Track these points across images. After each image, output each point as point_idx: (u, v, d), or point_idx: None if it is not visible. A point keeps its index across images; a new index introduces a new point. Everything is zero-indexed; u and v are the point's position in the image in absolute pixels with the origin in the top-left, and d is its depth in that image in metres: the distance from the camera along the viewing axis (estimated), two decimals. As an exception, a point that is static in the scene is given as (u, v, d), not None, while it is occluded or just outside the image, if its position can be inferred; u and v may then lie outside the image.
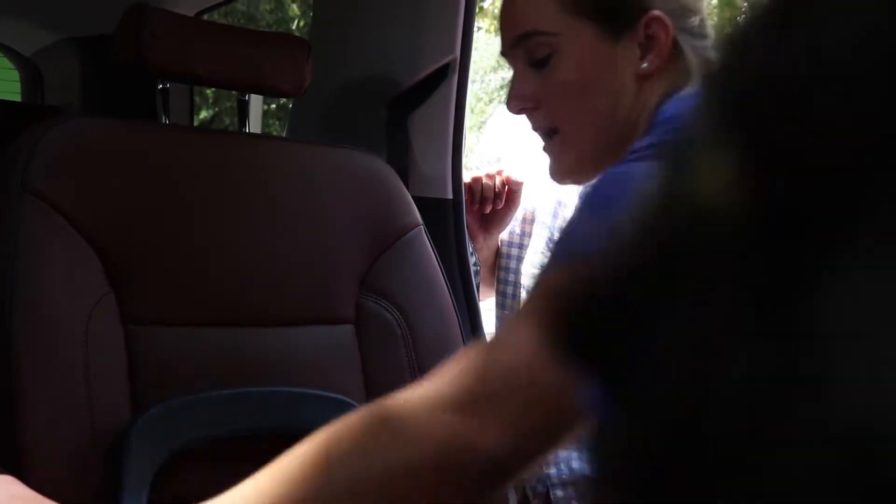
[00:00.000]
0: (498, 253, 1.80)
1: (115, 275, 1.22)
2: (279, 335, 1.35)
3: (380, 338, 1.42)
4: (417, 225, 1.49)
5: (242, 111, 1.46)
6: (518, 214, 1.76)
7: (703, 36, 1.03)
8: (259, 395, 1.26)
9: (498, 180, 1.70)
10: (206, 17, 2.08)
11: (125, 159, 1.26)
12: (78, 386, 1.16)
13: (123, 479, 1.11)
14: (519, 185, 1.71)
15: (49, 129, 1.21)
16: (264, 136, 1.48)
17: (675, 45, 1.01)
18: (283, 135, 1.71)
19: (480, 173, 1.72)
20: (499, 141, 1.87)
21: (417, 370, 1.42)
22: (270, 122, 7.99)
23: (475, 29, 1.71)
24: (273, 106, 7.59)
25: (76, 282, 1.19)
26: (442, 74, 1.58)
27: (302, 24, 7.62)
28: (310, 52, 1.42)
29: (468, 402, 0.75)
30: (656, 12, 1.00)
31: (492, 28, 10.75)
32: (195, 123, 1.43)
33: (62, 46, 2.13)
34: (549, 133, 1.05)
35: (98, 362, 1.18)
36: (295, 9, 7.83)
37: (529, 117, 1.06)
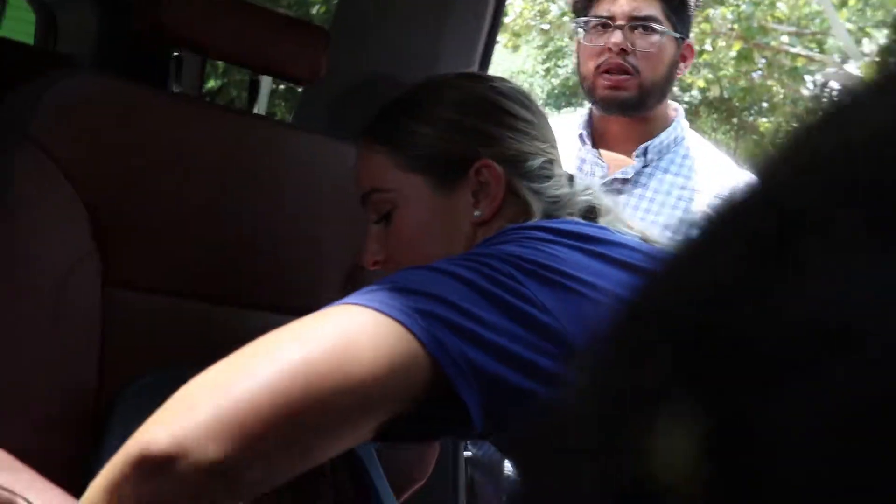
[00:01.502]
0: None
1: (102, 234, 1.21)
2: (260, 319, 1.33)
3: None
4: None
5: (253, 90, 1.45)
6: None
7: (546, 178, 1.08)
8: None
9: None
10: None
11: (128, 120, 1.25)
12: (45, 344, 1.15)
13: (102, 453, 1.10)
14: None
15: (57, 79, 1.20)
16: (272, 120, 1.47)
17: (511, 189, 1.06)
18: (289, 117, 1.69)
19: None
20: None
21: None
22: (277, 101, 7.98)
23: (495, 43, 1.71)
24: (282, 87, 7.59)
25: (61, 234, 1.18)
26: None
27: (322, 10, 7.61)
28: (328, 42, 1.41)
29: None
30: (485, 161, 1.05)
31: (509, 44, 10.77)
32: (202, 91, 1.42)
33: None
34: None
35: (70, 320, 1.17)
36: (318, -6, 7.82)
37: (382, 268, 1.13)
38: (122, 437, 1.13)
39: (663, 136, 1.70)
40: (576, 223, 1.03)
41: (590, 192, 1.10)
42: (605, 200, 1.10)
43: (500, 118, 1.08)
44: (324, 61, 1.42)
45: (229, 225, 1.33)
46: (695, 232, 0.21)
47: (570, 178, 1.12)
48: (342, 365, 0.80)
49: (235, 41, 1.37)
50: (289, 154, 1.40)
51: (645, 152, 1.68)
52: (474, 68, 1.58)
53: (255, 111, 1.47)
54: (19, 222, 1.15)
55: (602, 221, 1.07)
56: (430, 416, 0.88)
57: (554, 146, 1.11)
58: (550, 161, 1.09)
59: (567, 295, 0.90)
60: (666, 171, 1.68)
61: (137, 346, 1.23)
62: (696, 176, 1.67)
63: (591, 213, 1.08)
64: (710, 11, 9.48)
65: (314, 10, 7.77)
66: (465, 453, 1.67)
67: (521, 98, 1.11)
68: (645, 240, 1.05)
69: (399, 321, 0.82)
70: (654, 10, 1.64)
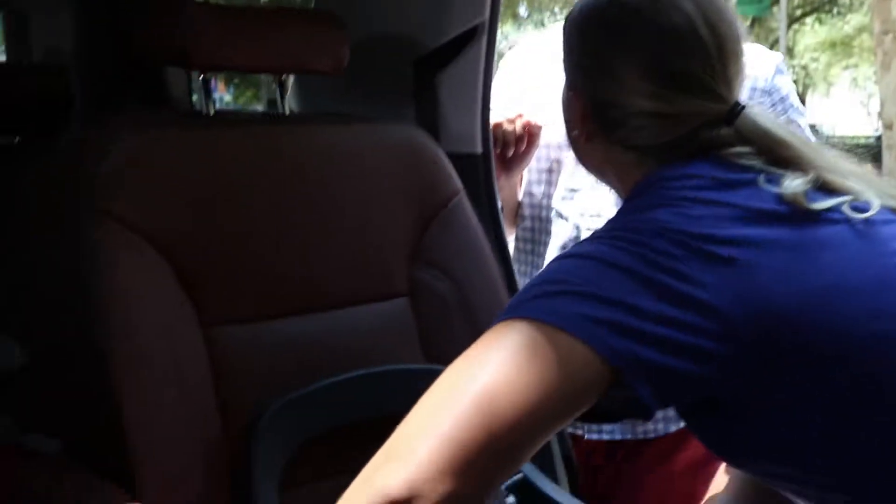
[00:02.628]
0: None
1: (188, 281, 1.24)
2: (340, 316, 1.38)
3: (434, 308, 1.46)
4: (459, 192, 1.52)
5: (282, 92, 1.44)
6: (541, 154, 1.79)
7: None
8: (368, 378, 1.30)
9: (518, 124, 1.72)
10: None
11: (182, 165, 1.26)
12: (174, 396, 1.19)
13: (253, 483, 1.16)
14: (538, 128, 1.73)
15: (108, 147, 1.21)
16: (305, 118, 1.47)
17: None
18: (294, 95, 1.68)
19: (501, 118, 1.73)
20: (514, 80, 1.87)
21: (472, 336, 1.46)
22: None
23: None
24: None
25: (156, 295, 1.21)
26: (470, 36, 1.58)
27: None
28: (348, 32, 1.40)
29: None
30: None
31: None
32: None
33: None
34: None
35: (186, 369, 1.21)
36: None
37: None
38: (267, 469, 1.19)
39: None
40: (708, 166, 1.03)
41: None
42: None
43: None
44: (346, 51, 1.41)
45: (292, 233, 1.35)
46: None
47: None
48: (528, 387, 0.86)
49: (258, 50, 1.36)
50: (331, 148, 1.41)
51: None
52: (485, 20, 1.58)
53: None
54: (117, 293, 1.17)
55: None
56: (609, 405, 0.95)
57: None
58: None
59: (720, 265, 0.93)
60: None
61: (242, 372, 1.27)
62: None
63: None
64: None
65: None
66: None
67: None
68: None
69: (571, 334, 0.88)
70: None
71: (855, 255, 0.96)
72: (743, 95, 1.11)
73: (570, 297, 0.91)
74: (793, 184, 0.98)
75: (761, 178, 1.00)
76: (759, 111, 1.05)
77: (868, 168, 1.08)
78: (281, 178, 1.35)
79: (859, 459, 0.95)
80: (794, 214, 0.97)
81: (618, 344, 0.89)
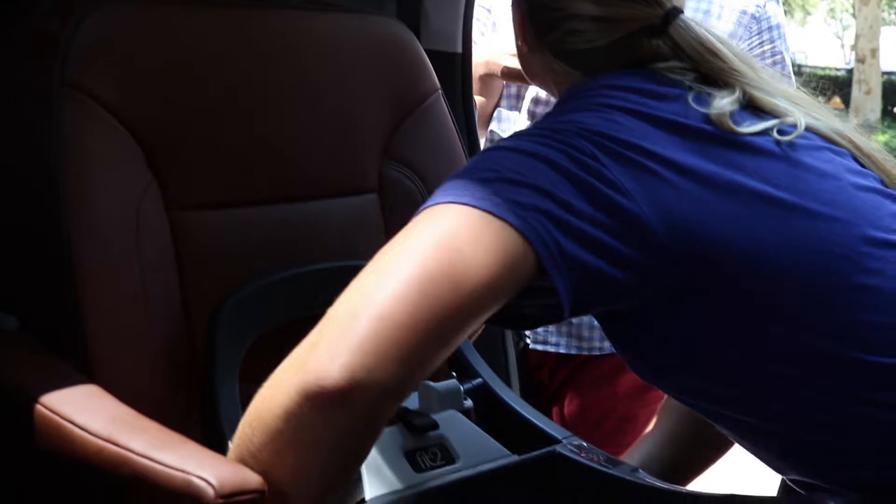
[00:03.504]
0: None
1: (156, 162, 1.22)
2: (310, 209, 1.36)
3: (402, 205, 1.44)
4: (436, 90, 1.49)
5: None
6: None
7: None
8: (335, 271, 1.28)
9: None
10: None
11: (155, 44, 1.23)
12: (134, 278, 1.17)
13: (216, 367, 1.15)
14: None
15: (80, 20, 1.17)
16: (285, 2, 1.43)
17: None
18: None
19: None
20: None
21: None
22: None
23: None
24: None
25: (122, 174, 1.19)
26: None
27: None
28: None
29: None
30: None
31: None
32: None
33: None
34: None
35: (149, 253, 1.19)
36: None
37: None
38: (229, 357, 1.18)
39: None
40: (637, 78, 1.04)
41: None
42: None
43: None
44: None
45: (266, 122, 1.32)
46: None
47: None
48: (458, 270, 0.86)
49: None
50: (309, 37, 1.38)
51: None
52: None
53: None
54: (81, 169, 1.14)
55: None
56: (524, 303, 0.95)
57: None
58: None
59: (644, 175, 0.94)
60: None
61: (207, 259, 1.25)
62: None
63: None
64: None
65: None
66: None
67: None
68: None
69: (501, 218, 0.88)
70: None
71: (774, 179, 0.96)
72: (731, 18, 1.10)
73: (501, 184, 0.90)
74: (720, 103, 0.99)
75: (690, 97, 1.00)
76: (695, 21, 1.06)
77: (800, 90, 1.09)
78: (257, 62, 1.31)
79: (769, 379, 0.97)
80: (719, 135, 0.97)
81: (544, 231, 0.89)
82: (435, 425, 1.18)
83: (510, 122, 1.87)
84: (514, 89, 1.86)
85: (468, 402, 1.27)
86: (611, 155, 0.93)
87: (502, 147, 0.96)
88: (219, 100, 1.27)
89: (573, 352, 1.84)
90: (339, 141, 1.39)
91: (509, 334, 1.70)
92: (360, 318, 0.83)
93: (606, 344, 1.83)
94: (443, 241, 0.87)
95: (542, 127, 0.99)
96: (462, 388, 1.28)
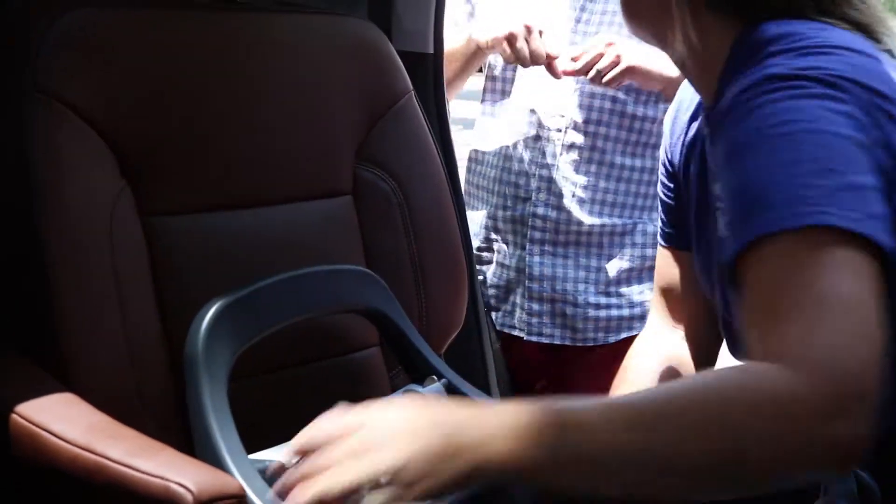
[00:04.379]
0: None
1: (129, 168, 1.22)
2: (284, 212, 1.36)
3: (376, 207, 1.45)
4: (408, 91, 1.50)
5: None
6: None
7: None
8: (314, 276, 1.29)
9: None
10: None
11: (127, 49, 1.22)
12: (108, 286, 1.17)
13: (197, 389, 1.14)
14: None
15: (52, 23, 1.16)
16: (256, 5, 1.43)
17: None
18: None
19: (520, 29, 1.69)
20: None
21: (414, 237, 1.46)
22: None
23: None
24: None
25: (95, 180, 1.18)
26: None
27: None
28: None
29: None
30: None
31: None
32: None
33: None
34: None
35: (123, 259, 1.19)
36: None
37: None
38: (209, 368, 1.16)
39: None
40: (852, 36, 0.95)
41: None
42: None
43: None
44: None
45: (238, 126, 1.32)
46: None
47: None
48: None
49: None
50: (280, 39, 1.38)
51: None
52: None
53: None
54: (54, 176, 1.14)
55: None
56: None
57: None
58: None
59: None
60: None
61: (181, 265, 1.25)
62: None
63: None
64: None
65: None
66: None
67: None
68: None
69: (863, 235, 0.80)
70: None
71: None
72: None
73: (851, 193, 0.81)
74: None
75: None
76: None
77: None
78: (229, 66, 1.31)
79: None
80: None
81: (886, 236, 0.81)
82: None
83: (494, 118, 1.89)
84: (498, 85, 1.88)
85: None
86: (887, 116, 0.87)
87: (806, 130, 0.84)
88: (193, 105, 1.27)
89: (567, 342, 1.86)
90: (313, 143, 1.39)
91: (486, 334, 1.71)
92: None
93: (600, 335, 1.85)
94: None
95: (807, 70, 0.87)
96: (434, 389, 1.29)
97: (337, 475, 0.76)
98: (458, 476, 0.78)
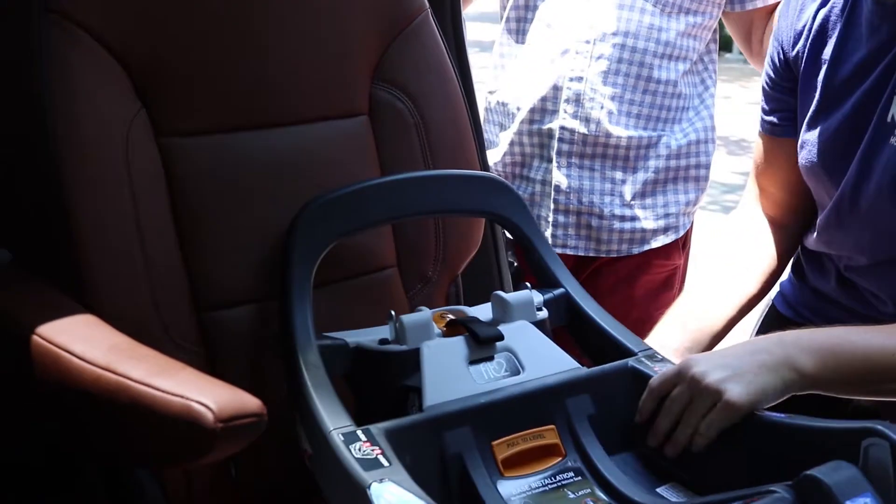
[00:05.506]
0: None
1: (144, 90, 1.21)
2: (300, 133, 1.35)
3: (393, 127, 1.43)
4: (424, 9, 1.47)
5: None
6: None
7: None
8: (403, 183, 1.33)
9: None
10: None
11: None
12: (126, 205, 1.17)
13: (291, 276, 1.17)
14: None
15: None
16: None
17: None
18: None
19: None
20: None
21: (430, 156, 1.45)
22: None
23: None
24: None
25: (109, 102, 1.18)
26: None
27: None
28: None
29: None
30: None
31: None
32: None
33: None
34: None
35: (140, 180, 1.18)
36: None
37: None
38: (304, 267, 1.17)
39: None
40: None
41: None
42: None
43: None
44: None
45: (256, 44, 1.30)
46: None
47: None
48: None
49: None
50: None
51: None
52: None
53: None
54: (67, 98, 1.13)
55: None
56: None
57: None
58: None
59: None
60: None
61: (197, 186, 1.25)
62: None
63: None
64: None
65: None
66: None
67: None
68: None
69: None
70: None
71: None
72: None
73: None
74: None
75: None
76: None
77: None
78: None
79: None
80: None
81: None
82: (500, 336, 1.15)
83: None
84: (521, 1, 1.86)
85: (542, 313, 1.24)
86: None
87: None
88: (207, 25, 1.25)
89: (591, 254, 1.87)
90: (329, 64, 1.37)
91: (503, 253, 1.71)
92: None
93: (624, 247, 1.86)
94: None
95: None
96: (542, 297, 1.27)
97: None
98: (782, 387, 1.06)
